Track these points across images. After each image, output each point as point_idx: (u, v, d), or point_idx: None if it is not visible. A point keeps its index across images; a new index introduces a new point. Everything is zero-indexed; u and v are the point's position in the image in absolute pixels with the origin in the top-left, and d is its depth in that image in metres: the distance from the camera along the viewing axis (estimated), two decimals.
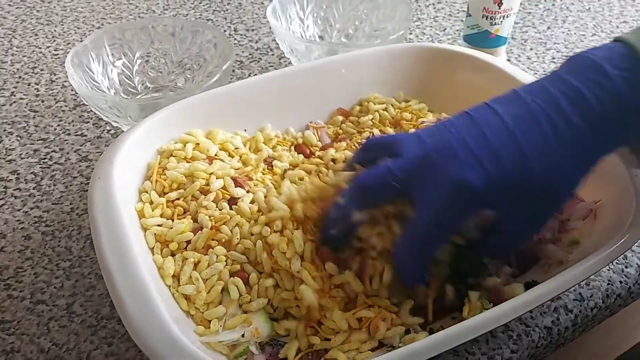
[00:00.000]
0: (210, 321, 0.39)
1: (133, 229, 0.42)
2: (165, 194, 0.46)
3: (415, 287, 0.40)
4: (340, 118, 0.57)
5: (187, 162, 0.48)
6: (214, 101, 0.53)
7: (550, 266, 0.44)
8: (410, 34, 0.77)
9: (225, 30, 0.77)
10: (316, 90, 0.57)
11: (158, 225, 0.43)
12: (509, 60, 0.71)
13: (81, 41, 0.72)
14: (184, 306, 0.39)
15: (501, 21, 0.65)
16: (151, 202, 0.45)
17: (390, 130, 0.55)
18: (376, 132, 0.55)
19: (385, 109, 0.57)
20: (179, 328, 0.35)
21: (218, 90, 0.53)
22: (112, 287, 0.37)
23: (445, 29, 0.78)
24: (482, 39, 0.67)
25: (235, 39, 0.75)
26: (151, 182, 0.46)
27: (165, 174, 0.47)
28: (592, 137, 0.35)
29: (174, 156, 0.49)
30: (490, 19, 0.64)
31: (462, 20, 0.79)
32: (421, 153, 0.37)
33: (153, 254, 0.41)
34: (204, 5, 0.82)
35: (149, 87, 0.64)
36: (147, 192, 0.46)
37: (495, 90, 0.41)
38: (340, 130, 0.56)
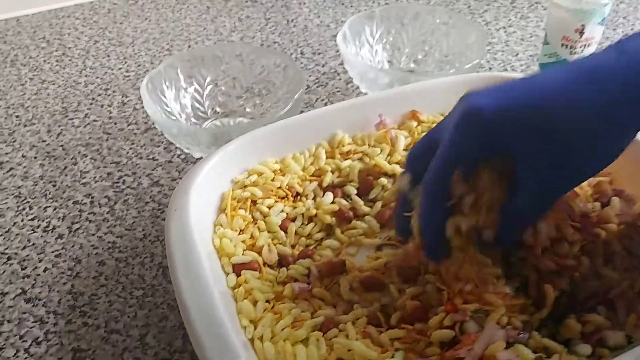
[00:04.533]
0: None
1: (211, 264, 0.41)
2: (242, 230, 0.46)
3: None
4: (414, 123, 0.55)
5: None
6: (287, 131, 0.52)
7: None
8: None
9: (292, 54, 0.77)
10: (390, 118, 0.56)
11: (240, 264, 0.43)
12: None
13: (151, 63, 0.74)
14: (263, 359, 0.38)
15: (582, 50, 0.62)
16: (229, 239, 0.44)
17: None
18: None
19: None
20: None
21: (291, 120, 0.53)
22: (192, 329, 0.36)
23: (517, 54, 0.75)
24: None
25: (301, 63, 0.75)
26: (226, 216, 0.46)
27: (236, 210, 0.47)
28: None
29: (246, 187, 0.49)
30: (570, 47, 0.62)
31: (535, 45, 0.77)
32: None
33: (236, 301, 0.41)
34: (270, 28, 0.83)
35: (218, 112, 0.65)
36: (222, 225, 0.46)
37: None
38: (415, 135, 0.54)
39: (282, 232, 0.48)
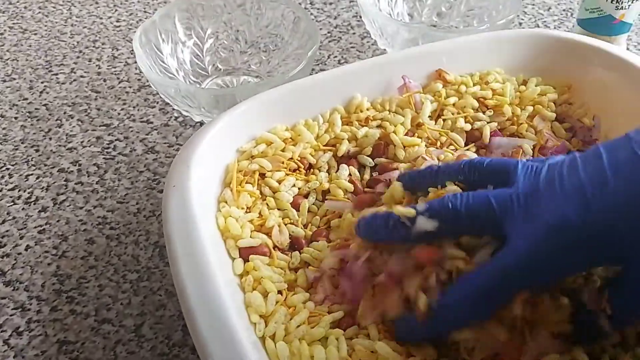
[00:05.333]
0: None
1: (215, 248, 0.36)
2: (249, 208, 0.40)
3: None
4: (439, 86, 0.48)
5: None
6: (299, 93, 0.46)
7: None
8: None
9: (300, 3, 0.70)
10: (414, 80, 0.49)
11: (248, 248, 0.38)
12: (628, 49, 0.62)
13: (144, 12, 0.67)
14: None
15: (629, 5, 0.55)
16: (235, 218, 0.39)
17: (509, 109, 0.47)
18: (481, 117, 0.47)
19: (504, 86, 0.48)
20: None
21: (304, 81, 0.46)
22: (194, 327, 0.31)
23: (549, 7, 0.68)
24: (603, 25, 0.57)
25: (311, 14, 0.68)
26: (231, 192, 0.40)
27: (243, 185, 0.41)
28: None
29: (253, 158, 0.43)
30: (617, 2, 0.55)
31: None
32: (529, 188, 0.30)
33: (244, 291, 0.35)
34: None
35: (220, 69, 0.58)
36: (226, 203, 0.40)
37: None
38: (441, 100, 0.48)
39: (294, 211, 0.42)
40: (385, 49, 0.59)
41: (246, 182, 0.42)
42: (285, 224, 0.41)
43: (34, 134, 0.53)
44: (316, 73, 0.55)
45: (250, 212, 0.41)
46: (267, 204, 0.42)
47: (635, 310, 0.29)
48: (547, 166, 0.31)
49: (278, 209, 0.42)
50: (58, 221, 0.46)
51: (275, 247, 0.40)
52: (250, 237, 0.39)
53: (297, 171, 0.44)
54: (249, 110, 0.44)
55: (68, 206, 0.47)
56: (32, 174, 0.50)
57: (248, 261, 0.38)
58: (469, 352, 0.31)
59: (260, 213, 0.41)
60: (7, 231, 0.45)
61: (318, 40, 0.51)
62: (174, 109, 0.55)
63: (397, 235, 0.33)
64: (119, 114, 0.55)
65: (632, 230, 0.26)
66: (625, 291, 0.29)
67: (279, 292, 0.36)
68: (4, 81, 0.59)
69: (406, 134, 0.46)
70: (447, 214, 0.31)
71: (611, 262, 0.29)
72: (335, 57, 0.62)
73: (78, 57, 0.62)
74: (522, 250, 0.28)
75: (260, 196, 0.42)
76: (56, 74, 0.60)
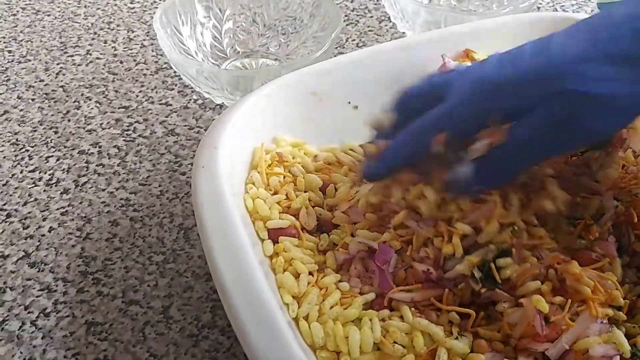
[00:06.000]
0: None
1: (246, 230, 0.36)
2: (276, 192, 0.40)
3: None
4: (468, 64, 0.48)
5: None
6: (323, 76, 0.45)
7: None
8: None
9: None
10: (437, 63, 0.49)
11: (277, 229, 0.37)
12: None
13: None
14: (309, 341, 0.33)
15: None
16: (263, 200, 0.39)
17: None
18: None
19: None
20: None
21: (327, 63, 0.46)
22: (231, 309, 0.31)
23: None
24: None
25: None
26: (259, 174, 0.40)
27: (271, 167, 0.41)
28: None
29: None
30: None
31: None
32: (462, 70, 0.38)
33: (275, 272, 0.35)
34: None
35: (239, 52, 0.57)
36: (254, 185, 0.40)
37: None
38: None
39: (321, 193, 0.42)
40: (404, 32, 0.59)
41: (275, 167, 0.42)
42: (313, 207, 0.41)
43: (52, 115, 0.53)
44: (335, 56, 0.55)
45: (277, 194, 0.41)
46: (295, 185, 0.41)
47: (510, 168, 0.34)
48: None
49: (305, 191, 0.42)
50: (81, 203, 0.46)
51: (303, 229, 0.40)
52: (279, 218, 0.39)
53: None
54: (273, 92, 0.44)
55: (90, 188, 0.47)
56: (52, 156, 0.49)
57: (277, 242, 0.37)
58: None
59: (287, 195, 0.41)
60: (29, 213, 0.45)
61: (340, 23, 0.51)
62: (192, 92, 0.55)
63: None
64: (137, 96, 0.55)
65: (526, 95, 0.32)
66: (507, 147, 0.33)
67: (310, 273, 0.36)
68: (20, 62, 0.58)
69: None
70: (401, 103, 0.38)
71: (508, 118, 0.34)
72: (354, 40, 0.61)
73: (93, 39, 0.61)
74: (449, 102, 0.35)
75: (288, 177, 0.42)
76: (72, 56, 0.59)
